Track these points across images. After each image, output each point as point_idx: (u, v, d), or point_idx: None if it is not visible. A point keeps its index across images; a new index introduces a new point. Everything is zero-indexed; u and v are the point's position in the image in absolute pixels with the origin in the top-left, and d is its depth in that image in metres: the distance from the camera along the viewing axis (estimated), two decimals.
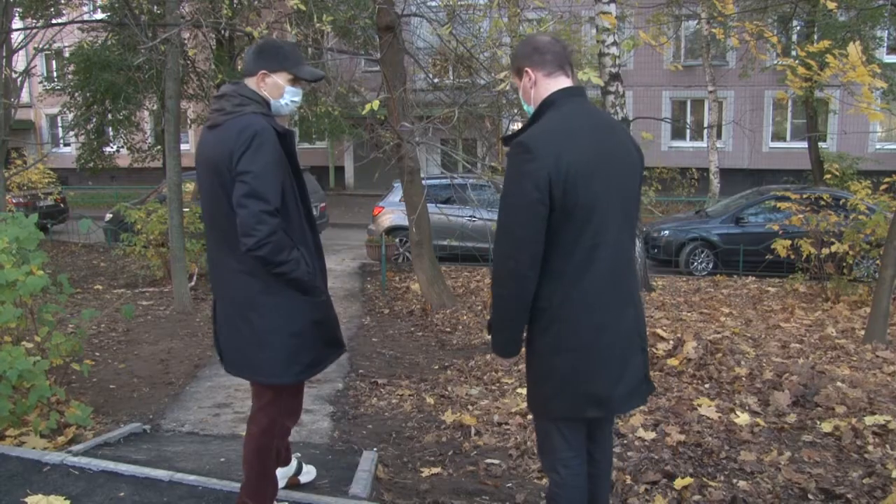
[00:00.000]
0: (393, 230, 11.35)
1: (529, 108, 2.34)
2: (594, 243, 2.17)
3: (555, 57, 2.27)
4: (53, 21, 12.66)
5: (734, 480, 3.49)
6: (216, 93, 2.67)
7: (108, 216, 12.41)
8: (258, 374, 2.62)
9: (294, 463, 3.21)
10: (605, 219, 2.18)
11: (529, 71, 2.29)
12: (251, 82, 2.60)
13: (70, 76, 16.58)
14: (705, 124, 19.57)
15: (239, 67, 16.23)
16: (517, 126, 15.09)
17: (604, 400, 2.25)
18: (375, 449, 4.00)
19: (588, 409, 2.27)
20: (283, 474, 3.11)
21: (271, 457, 2.72)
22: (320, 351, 2.69)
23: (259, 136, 2.43)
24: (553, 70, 2.27)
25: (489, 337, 2.40)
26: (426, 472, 3.72)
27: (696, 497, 3.31)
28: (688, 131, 21.45)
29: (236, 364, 2.67)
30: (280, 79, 2.59)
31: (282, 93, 2.61)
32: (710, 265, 10.81)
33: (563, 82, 2.28)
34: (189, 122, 19.41)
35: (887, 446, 3.81)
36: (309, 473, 3.28)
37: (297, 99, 2.68)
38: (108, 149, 18.70)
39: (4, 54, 10.16)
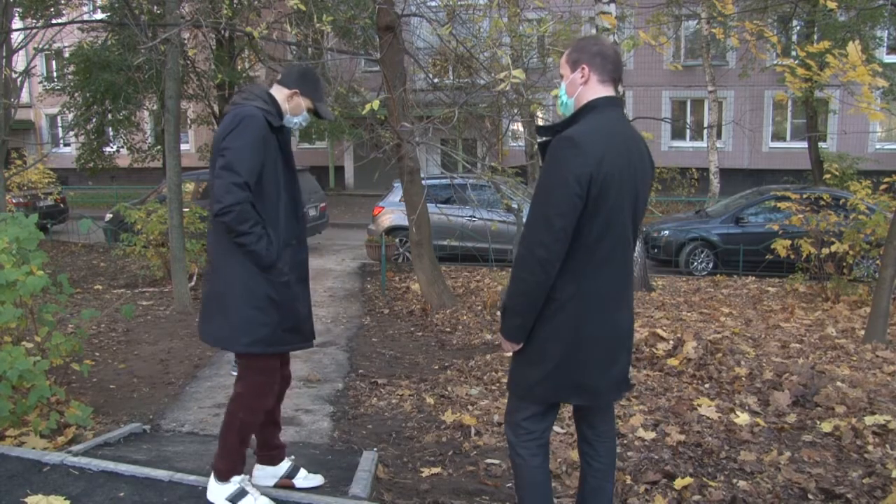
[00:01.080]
0: (393, 230, 11.35)
1: (569, 101, 2.42)
2: (613, 245, 2.31)
3: (614, 68, 2.40)
4: (53, 21, 12.65)
5: (734, 480, 3.49)
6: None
7: (108, 216, 12.41)
8: (212, 337, 2.86)
9: (286, 464, 3.19)
10: (624, 223, 2.32)
11: (587, 69, 2.37)
12: (279, 91, 2.91)
13: (70, 76, 16.58)
14: (705, 124, 19.56)
15: (238, 67, 16.27)
16: (517, 126, 15.12)
17: (590, 389, 2.39)
18: (375, 449, 4.00)
19: (571, 396, 2.41)
20: (271, 473, 3.15)
21: (234, 429, 2.85)
22: (277, 332, 2.81)
23: (246, 120, 2.72)
24: (606, 78, 2.38)
25: (502, 318, 2.41)
26: (426, 472, 3.72)
27: (696, 497, 3.32)
28: (688, 131, 21.46)
29: (202, 329, 2.92)
30: (305, 103, 2.94)
31: (300, 112, 2.95)
32: (710, 265, 10.82)
33: (609, 91, 2.40)
34: (189, 122, 19.42)
35: (887, 446, 3.81)
36: (309, 479, 3.22)
37: (305, 123, 3.05)
38: (108, 149, 18.69)
39: (4, 54, 10.17)
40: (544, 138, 2.41)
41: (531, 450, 2.47)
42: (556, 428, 4.15)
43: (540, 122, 10.78)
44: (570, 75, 2.40)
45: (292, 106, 2.93)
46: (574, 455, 3.63)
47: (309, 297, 3.02)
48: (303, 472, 3.23)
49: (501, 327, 2.42)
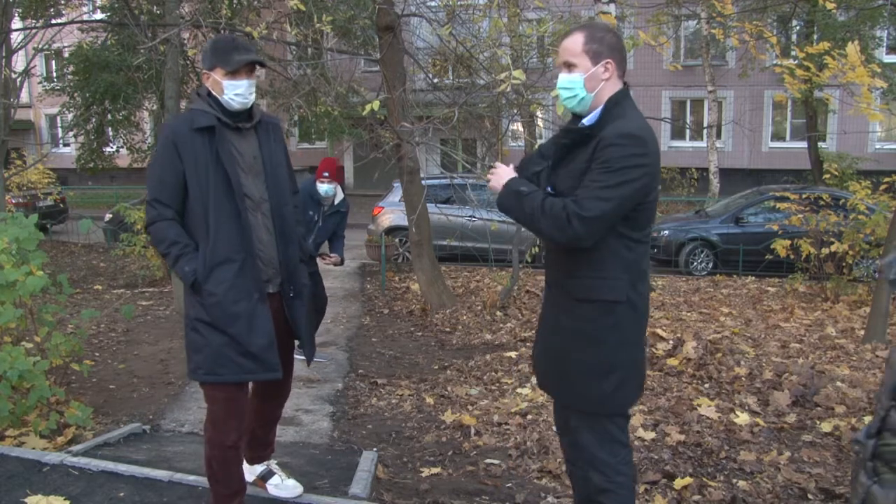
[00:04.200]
0: (393, 230, 11.34)
1: (587, 96, 2.27)
2: (648, 241, 2.34)
3: (625, 64, 2.34)
4: (53, 21, 12.65)
5: (734, 480, 3.49)
6: None
7: (108, 216, 12.41)
8: None
9: (261, 468, 3.03)
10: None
11: (612, 65, 2.26)
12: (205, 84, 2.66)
13: (69, 76, 16.55)
14: (705, 124, 19.56)
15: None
16: (517, 126, 15.10)
17: (643, 388, 2.43)
18: (375, 449, 4.00)
19: (637, 396, 2.41)
20: (247, 471, 2.97)
21: (210, 463, 2.68)
22: (220, 358, 2.54)
23: (162, 132, 2.61)
24: (622, 74, 2.33)
25: (514, 195, 2.29)
26: (426, 472, 3.72)
27: (696, 497, 3.32)
28: (687, 131, 21.45)
29: None
30: (217, 76, 2.58)
31: (222, 89, 2.58)
32: (710, 265, 10.82)
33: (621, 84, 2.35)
34: None
35: None
36: (281, 488, 2.99)
37: (241, 91, 2.57)
38: (107, 149, 18.67)
39: (4, 54, 10.16)
40: (569, 137, 2.30)
41: (628, 464, 2.37)
42: (555, 428, 4.14)
43: (540, 122, 10.78)
44: (592, 69, 2.24)
45: (214, 88, 2.60)
46: None
47: (268, 322, 2.59)
48: (277, 478, 3.02)
49: (505, 189, 2.33)
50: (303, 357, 2.98)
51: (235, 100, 2.57)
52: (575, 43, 2.26)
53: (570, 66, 2.26)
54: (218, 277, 2.52)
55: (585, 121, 2.28)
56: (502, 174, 2.38)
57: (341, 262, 5.88)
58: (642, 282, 2.31)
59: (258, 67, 2.64)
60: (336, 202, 5.96)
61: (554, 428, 4.12)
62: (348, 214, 6.13)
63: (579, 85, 2.25)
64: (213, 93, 2.60)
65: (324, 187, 5.80)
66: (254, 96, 2.61)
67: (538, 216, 2.21)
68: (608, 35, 2.28)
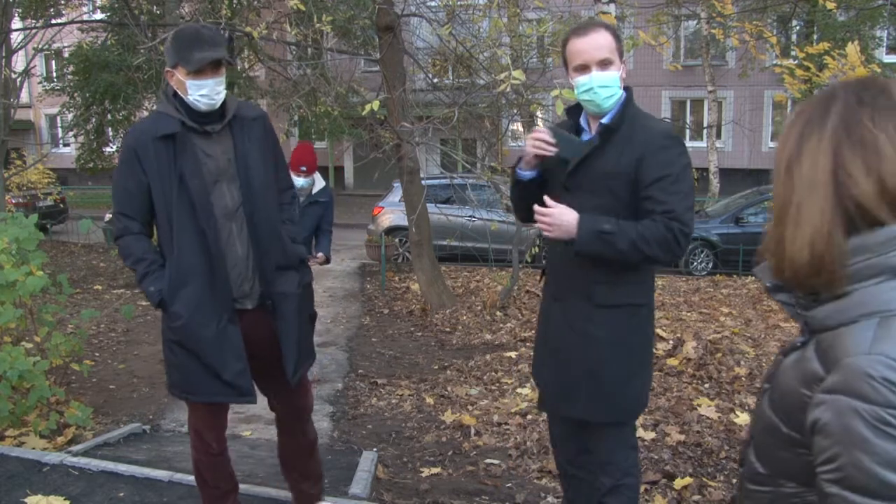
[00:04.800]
0: (393, 230, 11.34)
1: (620, 93, 2.25)
2: None
3: None
4: (53, 21, 12.65)
5: (734, 480, 3.49)
6: None
7: (108, 216, 12.40)
8: None
9: None
10: None
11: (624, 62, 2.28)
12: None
13: (69, 76, 16.56)
14: (705, 124, 19.57)
15: (238, 68, 16.26)
16: (517, 126, 15.10)
17: None
18: (375, 449, 4.00)
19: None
20: None
21: (197, 466, 2.65)
22: (190, 378, 2.44)
23: (124, 138, 2.44)
24: None
25: (599, 236, 2.13)
26: (426, 472, 3.72)
27: (696, 497, 3.32)
28: (687, 131, 21.45)
29: None
30: (179, 74, 2.32)
31: (186, 89, 2.32)
32: (710, 265, 10.82)
33: None
34: None
35: None
36: None
37: (206, 92, 2.32)
38: (107, 149, 18.66)
39: (4, 54, 10.17)
40: (600, 137, 2.25)
41: (637, 465, 2.40)
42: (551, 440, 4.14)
43: (540, 122, 10.78)
44: (622, 66, 2.24)
45: (178, 87, 2.35)
46: None
47: (239, 345, 2.42)
48: None
49: (587, 235, 2.13)
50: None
51: (201, 101, 2.33)
52: (609, 40, 2.20)
53: (606, 64, 2.19)
54: (183, 298, 2.37)
55: (605, 119, 2.25)
56: (563, 217, 2.14)
57: (327, 261, 5.21)
58: (653, 283, 2.39)
59: (227, 65, 2.38)
60: (314, 191, 5.08)
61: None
62: (333, 205, 5.30)
63: (617, 83, 2.22)
64: (179, 93, 2.36)
65: (299, 181, 4.93)
66: (222, 95, 2.38)
67: (641, 247, 2.11)
68: (618, 34, 2.29)
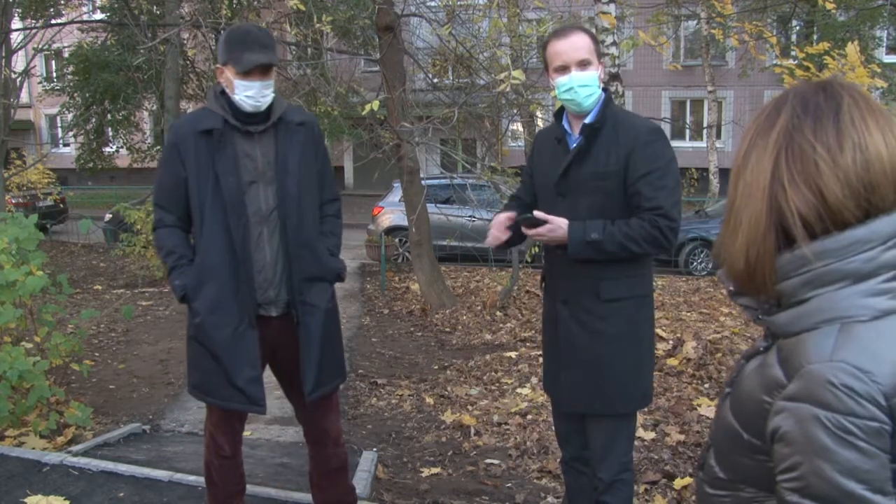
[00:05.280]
0: (392, 230, 11.34)
1: (599, 92, 2.31)
2: None
3: None
4: (53, 21, 12.65)
5: None
6: None
7: (108, 216, 12.41)
8: None
9: None
10: None
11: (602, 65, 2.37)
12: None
13: (69, 76, 16.58)
14: (705, 124, 19.57)
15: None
16: (517, 126, 15.12)
17: None
18: (375, 449, 4.00)
19: None
20: None
21: (207, 466, 2.61)
22: (206, 379, 2.41)
23: (168, 131, 2.45)
24: None
25: (588, 243, 2.20)
26: (426, 472, 3.72)
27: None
28: (687, 131, 21.46)
29: None
30: (229, 73, 2.33)
31: (234, 88, 2.33)
32: (710, 265, 10.82)
33: None
34: None
35: None
36: None
37: (252, 93, 2.32)
38: (107, 149, 18.69)
39: (4, 54, 10.17)
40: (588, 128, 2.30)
41: (632, 461, 2.44)
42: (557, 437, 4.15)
43: (539, 122, 10.77)
44: (600, 67, 2.32)
45: (227, 85, 2.35)
46: None
47: (254, 352, 2.38)
48: None
49: (577, 245, 2.21)
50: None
51: (247, 101, 2.33)
52: (585, 42, 2.28)
53: (585, 64, 2.26)
54: (205, 296, 2.34)
55: (588, 119, 2.30)
56: (554, 233, 2.24)
57: None
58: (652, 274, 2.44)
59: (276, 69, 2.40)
60: None
61: (553, 430, 4.12)
62: None
63: (596, 82, 2.29)
64: (227, 90, 2.37)
65: None
66: (269, 98, 2.37)
67: (630, 247, 2.18)
68: (595, 36, 2.38)
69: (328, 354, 2.50)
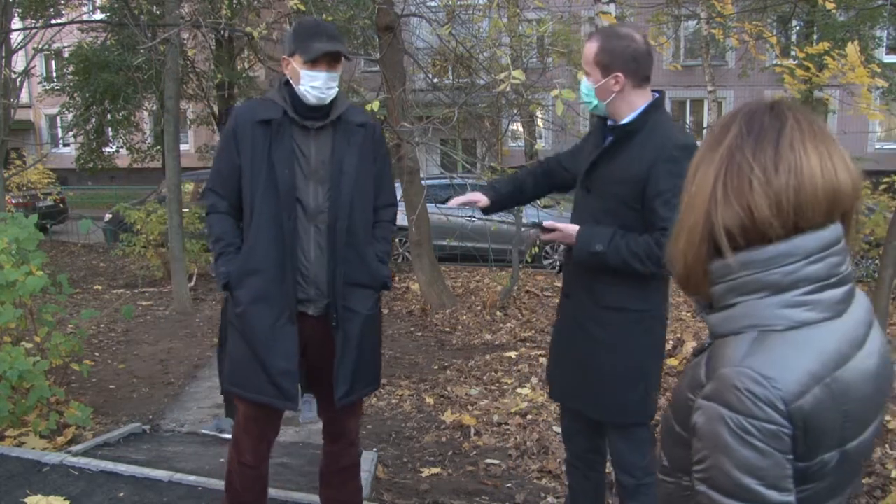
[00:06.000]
0: None
1: (601, 104, 2.26)
2: None
3: (648, 66, 2.29)
4: (53, 21, 12.65)
5: None
6: None
7: (108, 216, 12.40)
8: None
9: None
10: None
11: (621, 79, 2.22)
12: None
13: (69, 76, 16.57)
14: (705, 124, 19.57)
15: (238, 67, 16.27)
16: (517, 126, 15.13)
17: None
18: (375, 449, 4.00)
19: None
20: None
21: (229, 470, 2.55)
22: (241, 372, 2.37)
23: (229, 118, 2.40)
24: (641, 82, 2.27)
25: (594, 254, 2.19)
26: (426, 472, 3.72)
27: None
28: (688, 131, 21.45)
29: None
30: (296, 63, 2.31)
31: (298, 78, 2.30)
32: None
33: (647, 91, 2.30)
34: (188, 122, 19.41)
35: (886, 446, 3.81)
36: None
37: (318, 84, 2.28)
38: (107, 149, 18.68)
39: (4, 54, 10.17)
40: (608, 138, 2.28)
41: (655, 462, 2.44)
42: (555, 428, 4.15)
43: (539, 122, 10.77)
44: (602, 81, 2.20)
45: (292, 76, 2.33)
46: None
47: (293, 346, 2.34)
48: None
49: (581, 253, 2.22)
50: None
51: (311, 93, 2.29)
52: (590, 51, 2.21)
53: (586, 73, 2.25)
54: (248, 286, 2.31)
55: (624, 120, 2.23)
56: (565, 239, 2.26)
57: None
58: (667, 291, 2.36)
59: (343, 60, 2.34)
60: None
61: (555, 429, 4.12)
62: None
63: (591, 93, 2.25)
64: (291, 82, 2.34)
65: None
66: (333, 92, 2.33)
67: (633, 264, 2.14)
68: (622, 44, 2.17)
69: (363, 362, 2.46)
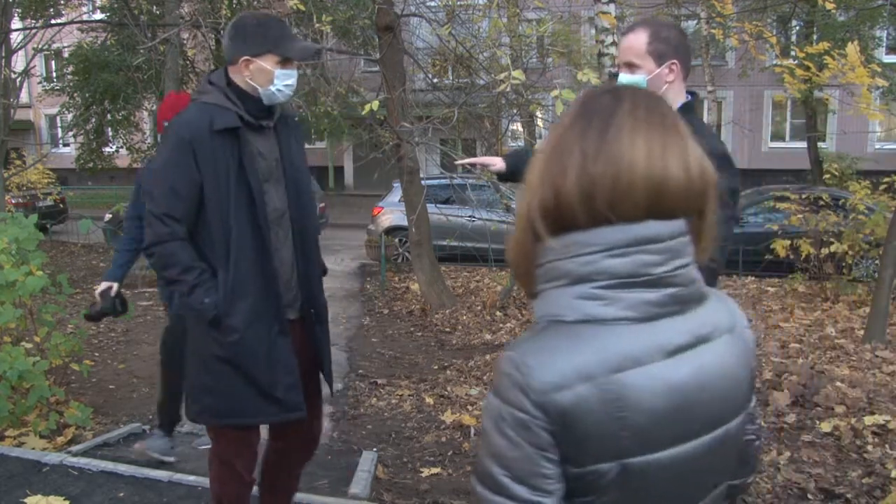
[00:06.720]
0: (392, 230, 11.34)
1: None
2: None
3: (689, 65, 2.19)
4: (53, 21, 12.65)
5: None
6: None
7: (108, 216, 12.40)
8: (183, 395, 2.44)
9: None
10: None
11: (677, 67, 2.10)
12: (234, 71, 2.23)
13: (69, 76, 16.58)
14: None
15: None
16: (517, 126, 15.14)
17: None
18: (375, 449, 4.00)
19: None
20: None
21: (214, 498, 2.44)
22: (234, 400, 2.23)
23: (171, 129, 2.16)
24: (686, 76, 2.17)
25: None
26: (426, 472, 3.72)
27: None
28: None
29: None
30: (267, 63, 2.19)
31: (271, 79, 2.20)
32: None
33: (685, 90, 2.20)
34: None
35: (886, 446, 3.81)
36: None
37: (292, 82, 2.25)
38: (107, 149, 18.68)
39: (4, 54, 10.17)
40: None
41: None
42: None
43: (539, 122, 10.78)
44: (656, 70, 2.06)
45: (256, 77, 2.20)
46: None
47: (291, 357, 2.28)
48: None
49: None
50: None
51: (283, 91, 2.22)
52: (639, 41, 2.06)
53: (631, 67, 2.08)
54: (240, 310, 2.17)
55: None
56: None
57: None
58: None
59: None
60: None
61: None
62: None
63: (642, 85, 2.06)
64: (248, 82, 2.21)
65: None
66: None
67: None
68: (673, 33, 2.10)
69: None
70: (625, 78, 2.10)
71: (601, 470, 0.91)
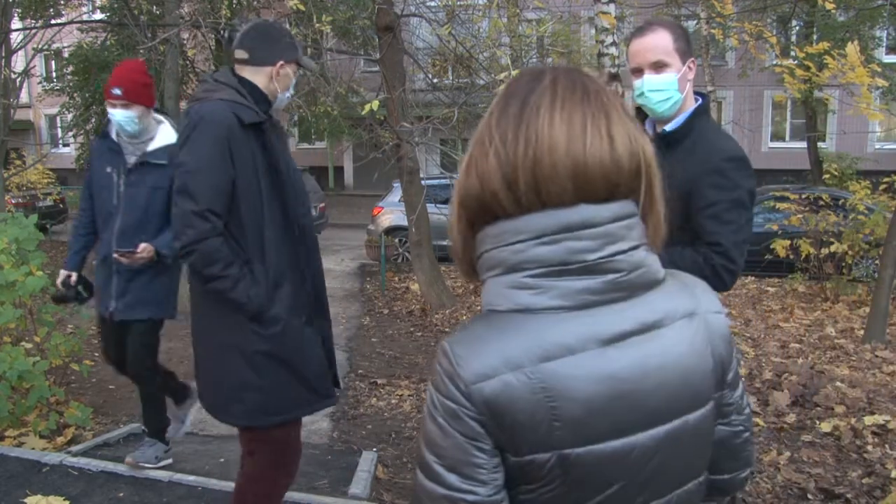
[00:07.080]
0: (392, 230, 11.34)
1: (681, 98, 2.06)
2: None
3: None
4: (53, 21, 12.65)
5: None
6: None
7: None
8: (206, 402, 2.35)
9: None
10: None
11: (694, 64, 2.09)
12: (257, 72, 2.23)
13: (69, 76, 16.57)
14: None
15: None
16: None
17: None
18: (375, 449, 4.00)
19: None
20: None
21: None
22: (281, 395, 2.21)
23: (203, 123, 2.10)
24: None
25: None
26: None
27: None
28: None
29: (199, 390, 2.40)
30: (291, 70, 2.29)
31: (289, 85, 2.31)
32: None
33: None
34: None
35: (886, 446, 3.81)
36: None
37: (292, 90, 2.38)
38: None
39: (4, 55, 10.17)
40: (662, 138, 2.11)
41: None
42: None
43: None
44: (682, 68, 2.02)
45: (282, 81, 2.28)
46: None
47: (327, 338, 2.38)
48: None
49: None
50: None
51: (288, 97, 2.33)
52: (665, 40, 2.03)
53: (660, 66, 2.02)
54: (280, 300, 2.19)
55: (668, 127, 2.08)
56: None
57: (158, 259, 3.12)
58: None
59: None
60: (151, 147, 3.24)
61: None
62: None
63: (674, 86, 2.03)
64: (272, 85, 2.26)
65: (116, 116, 3.31)
66: None
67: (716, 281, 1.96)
68: (685, 32, 2.10)
69: None
70: (655, 80, 2.04)
71: (539, 460, 0.89)
